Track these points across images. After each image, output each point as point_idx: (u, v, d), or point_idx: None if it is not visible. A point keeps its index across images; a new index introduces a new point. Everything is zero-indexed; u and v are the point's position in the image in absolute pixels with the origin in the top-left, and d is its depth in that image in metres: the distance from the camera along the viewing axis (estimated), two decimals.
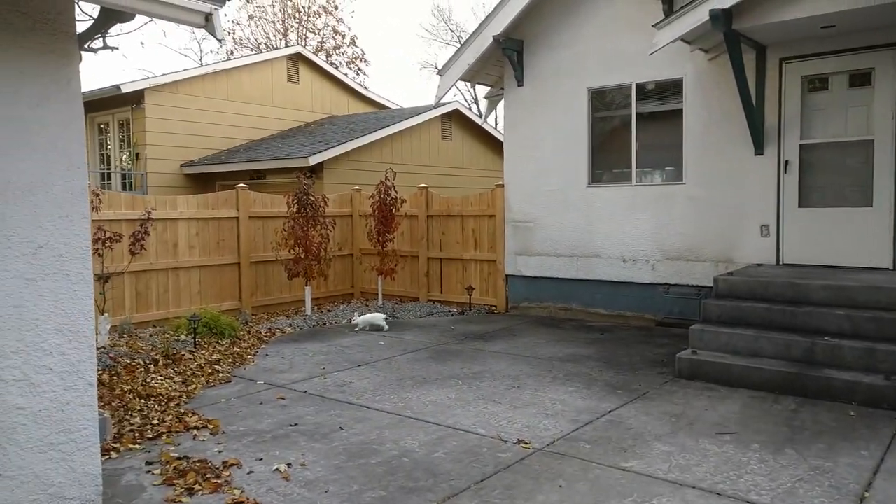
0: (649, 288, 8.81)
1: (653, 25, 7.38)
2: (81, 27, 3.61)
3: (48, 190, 3.19)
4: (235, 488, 3.88)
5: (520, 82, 9.75)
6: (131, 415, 5.16)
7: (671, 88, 8.60)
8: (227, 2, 3.62)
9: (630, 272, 8.93)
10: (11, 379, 3.10)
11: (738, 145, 8.04)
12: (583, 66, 9.22)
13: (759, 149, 7.84)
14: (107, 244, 7.22)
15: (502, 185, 10.01)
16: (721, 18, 6.60)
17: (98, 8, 3.63)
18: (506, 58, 9.65)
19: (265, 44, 30.36)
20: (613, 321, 9.05)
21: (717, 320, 6.58)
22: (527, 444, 4.52)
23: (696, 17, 6.80)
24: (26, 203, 3.13)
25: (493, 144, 17.06)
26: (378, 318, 8.31)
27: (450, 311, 10.11)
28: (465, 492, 3.80)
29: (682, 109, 8.48)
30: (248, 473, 4.10)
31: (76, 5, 3.41)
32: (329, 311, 10.20)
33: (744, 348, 6.09)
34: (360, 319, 8.19)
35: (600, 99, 9.25)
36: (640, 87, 8.83)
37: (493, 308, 10.13)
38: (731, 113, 7.97)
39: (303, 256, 9.42)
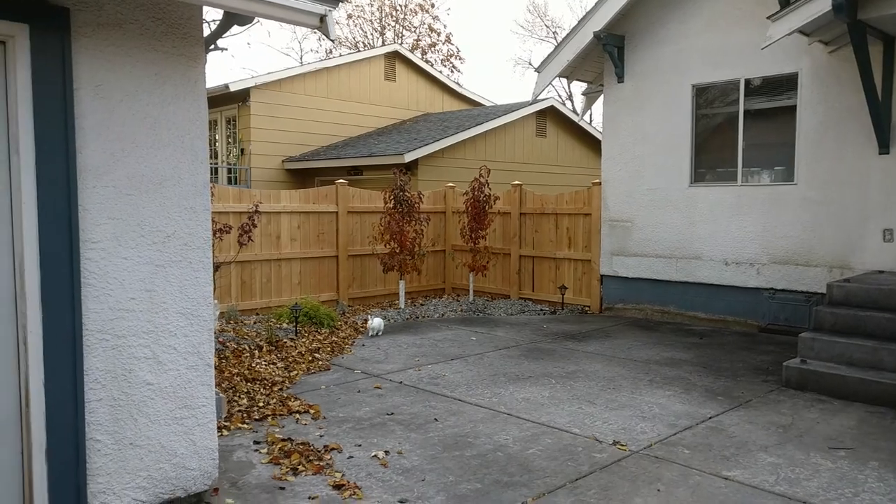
0: (753, 292, 8.44)
1: (767, 17, 7.04)
2: (205, 31, 3.85)
3: (176, 183, 3.43)
4: (336, 471, 4.04)
5: (620, 79, 9.56)
6: (239, 396, 5.46)
7: (784, 83, 8.19)
8: (340, 4, 3.76)
9: (732, 275, 8.59)
10: (142, 356, 3.36)
11: (859, 144, 7.56)
12: (687, 62, 8.93)
13: (883, 147, 7.34)
14: (217, 235, 7.64)
15: (599, 183, 9.85)
16: (845, 8, 6.21)
17: (221, 12, 3.85)
18: (606, 54, 9.48)
19: (363, 42, 31.14)
20: (713, 325, 8.74)
21: (830, 329, 6.22)
22: (623, 445, 4.46)
23: (817, 8, 6.43)
24: (157, 195, 3.37)
25: (589, 142, 16.80)
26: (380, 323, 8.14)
27: (541, 310, 10.06)
28: (561, 489, 3.80)
29: (795, 106, 8.06)
30: (348, 458, 4.25)
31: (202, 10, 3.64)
32: (421, 304, 10.37)
33: (861, 360, 5.73)
34: (375, 323, 8.09)
35: (705, 95, 8.94)
36: (749, 83, 8.46)
37: (587, 308, 9.99)
38: (853, 109, 7.51)
39: (398, 251, 9.63)
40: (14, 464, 3.01)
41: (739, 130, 8.53)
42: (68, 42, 3.00)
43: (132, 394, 3.33)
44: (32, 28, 2.90)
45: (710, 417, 5.05)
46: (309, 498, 3.67)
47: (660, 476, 3.98)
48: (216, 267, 7.81)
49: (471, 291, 10.73)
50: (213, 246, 7.67)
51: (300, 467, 4.10)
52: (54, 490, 3.03)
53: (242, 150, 15.16)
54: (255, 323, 8.30)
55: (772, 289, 8.28)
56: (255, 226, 7.95)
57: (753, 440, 4.57)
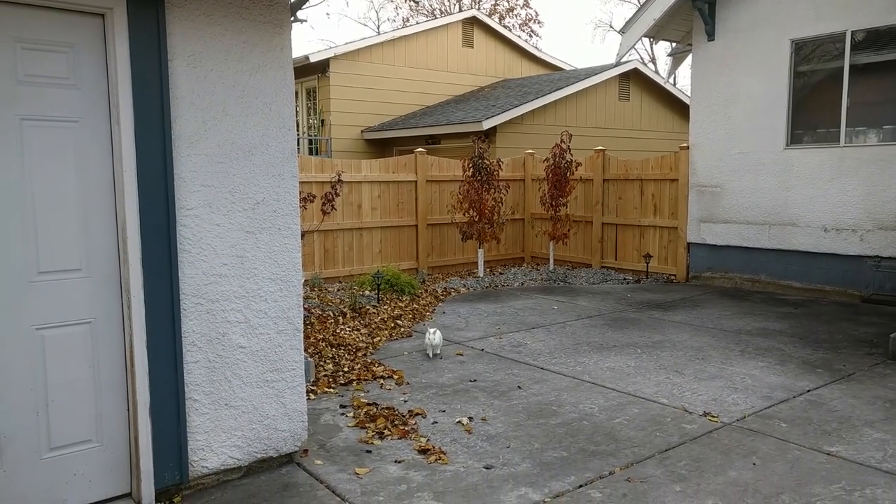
0: (855, 260, 7.93)
1: None
2: None
3: (265, 150, 3.49)
4: (421, 436, 4.08)
5: (710, 36, 9.06)
6: (325, 361, 5.60)
7: (895, 35, 7.54)
8: None
9: (832, 242, 8.09)
10: (235, 321, 3.47)
11: None
12: (786, 14, 8.36)
13: None
14: (302, 204, 7.80)
15: (687, 148, 9.44)
16: None
17: None
18: (695, 10, 9.00)
19: (440, 9, 30.86)
20: (809, 295, 8.29)
21: None
22: (714, 417, 4.30)
23: None
24: (246, 163, 3.44)
25: (674, 105, 16.13)
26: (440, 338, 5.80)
27: (624, 279, 9.82)
28: (650, 459, 3.70)
29: None
30: (433, 424, 4.29)
31: None
32: (500, 273, 10.32)
33: None
34: (436, 339, 5.73)
35: (804, 51, 8.35)
36: (856, 35, 7.84)
37: (672, 277, 9.68)
38: None
39: (476, 220, 9.58)
40: (121, 419, 3.19)
41: (844, 87, 7.95)
42: (163, 13, 3.07)
43: (226, 356, 3.45)
44: (129, 0, 2.99)
45: (808, 390, 4.80)
46: (395, 461, 3.73)
47: (755, 449, 3.82)
48: (301, 235, 8.01)
49: (551, 260, 10.58)
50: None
51: (385, 431, 4.17)
52: (158, 445, 3.20)
53: (323, 121, 15.40)
54: (338, 290, 8.49)
55: (877, 257, 7.75)
56: (337, 195, 8.07)
57: (857, 415, 4.31)
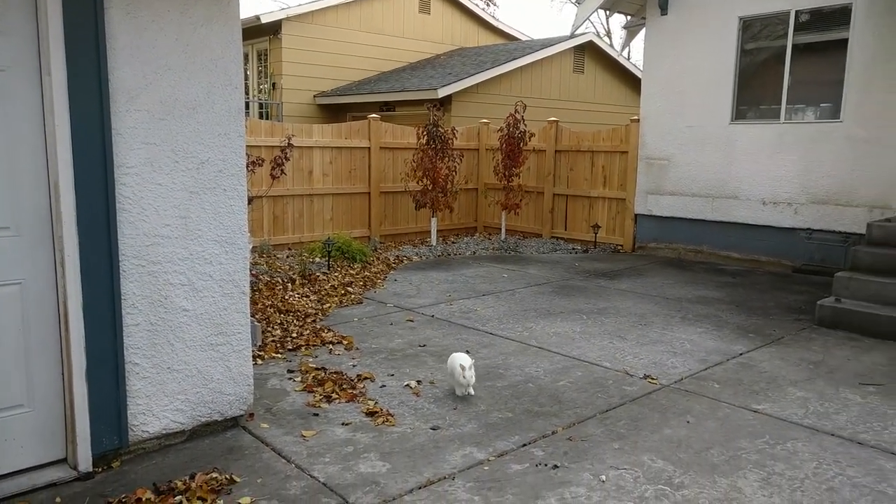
0: (789, 233, 8.25)
1: None
2: None
3: (210, 108, 3.41)
4: (370, 399, 4.12)
5: (664, 10, 9.16)
6: (273, 327, 5.57)
7: (836, 16, 7.77)
8: None
9: (769, 215, 8.38)
10: (178, 283, 3.41)
11: None
12: None
13: None
14: (250, 168, 7.65)
15: (637, 120, 9.59)
16: None
17: None
18: None
19: None
20: (746, 265, 8.59)
21: (867, 269, 6.06)
22: (654, 379, 4.46)
23: None
24: (190, 120, 3.36)
25: (627, 79, 16.29)
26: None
27: (573, 249, 9.99)
28: (591, 419, 3.83)
29: (846, 40, 7.67)
30: (381, 387, 4.33)
31: None
32: (453, 242, 10.37)
33: None
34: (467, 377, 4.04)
35: (751, 29, 8.53)
36: (801, 15, 8.04)
37: (619, 247, 9.89)
38: None
39: (430, 188, 9.58)
40: (56, 384, 3.11)
41: (786, 65, 8.17)
42: None
43: (169, 319, 3.40)
44: None
45: (741, 354, 5.01)
46: (342, 424, 3.76)
47: (690, 409, 3.98)
48: (249, 200, 7.86)
49: (503, 230, 10.68)
50: (246, 181, 7.72)
51: (333, 395, 4.19)
52: (95, 410, 3.14)
53: (274, 85, 15.05)
54: (287, 257, 8.41)
55: (809, 229, 8.07)
56: (287, 159, 7.95)
57: (784, 376, 4.53)
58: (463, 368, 4.01)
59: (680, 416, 3.89)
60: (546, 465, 3.28)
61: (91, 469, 3.13)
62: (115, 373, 3.19)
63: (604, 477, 3.16)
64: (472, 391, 4.13)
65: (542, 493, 3.01)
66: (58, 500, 2.92)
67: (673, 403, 4.07)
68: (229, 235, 3.59)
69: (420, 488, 3.06)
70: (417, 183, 9.63)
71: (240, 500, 2.92)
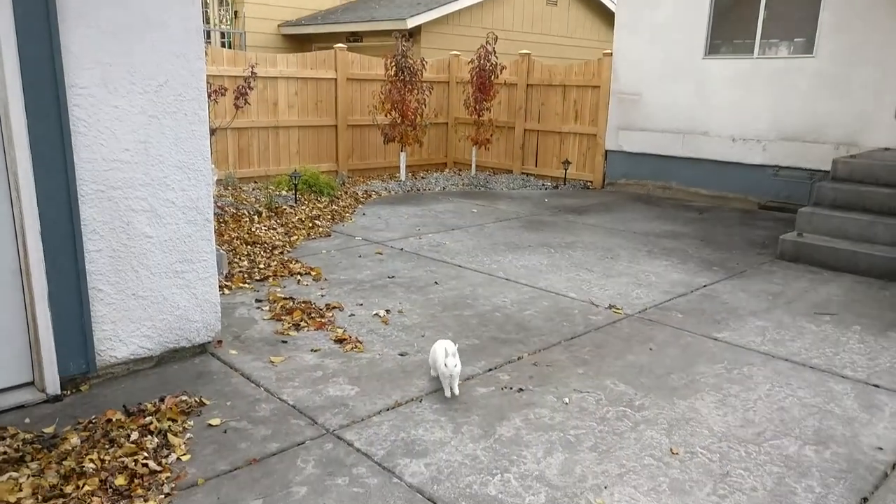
0: (757, 169, 8.34)
1: None
2: None
3: (165, 27, 3.25)
4: (338, 327, 4.14)
5: None
6: (240, 258, 5.51)
7: None
8: None
9: (738, 152, 8.45)
10: (140, 209, 3.34)
11: (885, 17, 7.17)
12: None
13: None
14: (212, 97, 7.43)
15: (610, 54, 9.47)
16: None
17: None
18: None
19: None
20: (714, 202, 8.71)
21: (830, 204, 6.20)
22: (618, 309, 4.55)
23: None
24: (145, 39, 3.21)
25: (602, 13, 16.00)
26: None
27: (544, 185, 9.99)
28: (556, 346, 3.91)
29: None
30: (350, 316, 4.35)
31: None
32: (423, 178, 10.29)
33: (856, 234, 5.75)
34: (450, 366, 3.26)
35: None
36: None
37: (589, 183, 9.92)
38: None
39: (399, 121, 9.41)
40: (18, 309, 3.06)
41: None
42: None
43: (132, 246, 3.34)
44: None
45: (704, 286, 5.13)
46: (311, 350, 3.78)
47: (652, 337, 4.09)
48: (212, 131, 7.67)
49: (473, 166, 10.61)
50: (208, 109, 7.50)
51: (302, 323, 4.19)
52: (60, 335, 3.11)
53: (236, 13, 14.47)
54: (253, 190, 8.27)
55: (776, 166, 8.17)
56: (251, 89, 7.72)
57: (744, 306, 4.66)
58: (447, 354, 3.14)
59: (643, 343, 3.99)
60: (511, 388, 3.36)
61: (59, 392, 3.12)
62: (79, 298, 3.14)
63: (567, 399, 3.25)
64: (456, 389, 3.22)
65: (507, 415, 3.09)
66: (27, 420, 2.91)
67: (636, 332, 4.17)
68: (191, 161, 3.50)
69: (388, 410, 3.11)
70: (386, 116, 9.45)
71: (210, 422, 2.94)
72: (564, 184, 9.97)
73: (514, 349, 3.86)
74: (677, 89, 8.87)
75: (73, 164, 3.05)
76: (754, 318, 4.44)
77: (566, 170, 9.96)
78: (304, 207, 7.50)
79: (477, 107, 9.96)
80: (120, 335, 3.35)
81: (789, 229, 6.28)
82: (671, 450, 2.82)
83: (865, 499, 2.51)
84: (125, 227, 3.30)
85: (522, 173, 10.66)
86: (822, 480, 2.62)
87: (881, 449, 2.85)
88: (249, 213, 6.94)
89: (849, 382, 3.49)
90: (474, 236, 6.62)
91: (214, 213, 6.60)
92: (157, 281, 3.45)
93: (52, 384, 3.10)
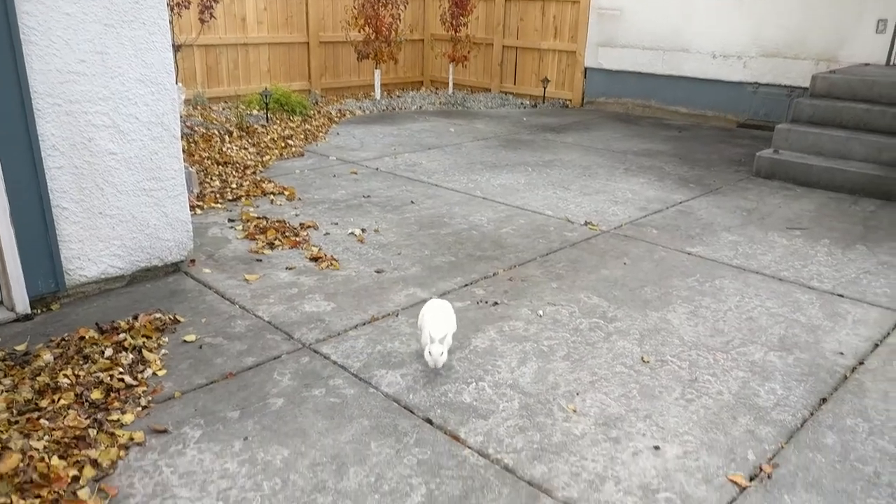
0: (737, 87, 8.25)
1: None
2: None
3: None
4: (313, 246, 4.11)
5: None
6: (211, 178, 5.40)
7: None
8: None
9: (718, 69, 8.33)
10: (101, 124, 3.21)
11: None
12: None
13: None
14: (175, 10, 7.09)
15: None
16: None
17: None
18: None
19: None
20: (693, 120, 8.65)
21: (807, 120, 6.18)
22: (594, 226, 4.57)
23: None
24: None
25: None
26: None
27: (522, 104, 9.83)
28: (531, 262, 3.93)
29: None
30: (325, 235, 4.32)
31: None
32: (398, 96, 10.05)
33: (831, 150, 5.77)
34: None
35: None
36: None
37: (568, 102, 9.78)
38: None
39: (373, 38, 9.09)
40: None
41: None
42: None
43: (95, 163, 3.23)
44: None
45: (680, 202, 5.15)
46: (286, 268, 3.76)
47: (627, 252, 4.12)
48: (177, 48, 7.36)
49: (450, 84, 10.37)
50: (171, 23, 7.16)
51: (276, 242, 4.16)
52: (26, 252, 3.04)
53: None
54: (223, 110, 8.02)
55: (756, 83, 8.09)
56: (216, 1, 7.36)
57: (718, 222, 4.70)
58: (432, 340, 2.64)
59: (617, 258, 4.02)
60: (486, 302, 3.39)
61: (29, 311, 3.08)
62: (42, 216, 3.07)
63: (541, 312, 3.29)
64: (439, 357, 2.66)
65: (483, 327, 3.13)
66: None
67: (611, 247, 4.20)
68: (154, 75, 3.35)
69: (364, 324, 3.13)
70: (359, 31, 9.12)
71: (185, 338, 2.94)
72: (543, 102, 9.82)
73: (490, 265, 3.87)
74: (658, 4, 8.64)
75: (27, 76, 2.91)
76: (727, 233, 4.49)
77: (545, 88, 9.78)
78: (276, 127, 7.32)
79: (454, 22, 9.65)
80: (88, 254, 3.29)
81: (766, 147, 6.28)
82: (642, 358, 2.89)
83: (824, 399, 2.61)
84: (87, 144, 3.18)
85: (501, 92, 10.45)
86: (784, 384, 2.71)
87: (842, 354, 2.95)
88: (220, 133, 6.76)
89: (815, 293, 3.57)
90: (451, 155, 6.53)
91: (184, 134, 6.46)
92: (124, 199, 3.37)
93: (22, 303, 3.06)
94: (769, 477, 2.17)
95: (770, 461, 2.25)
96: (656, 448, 2.31)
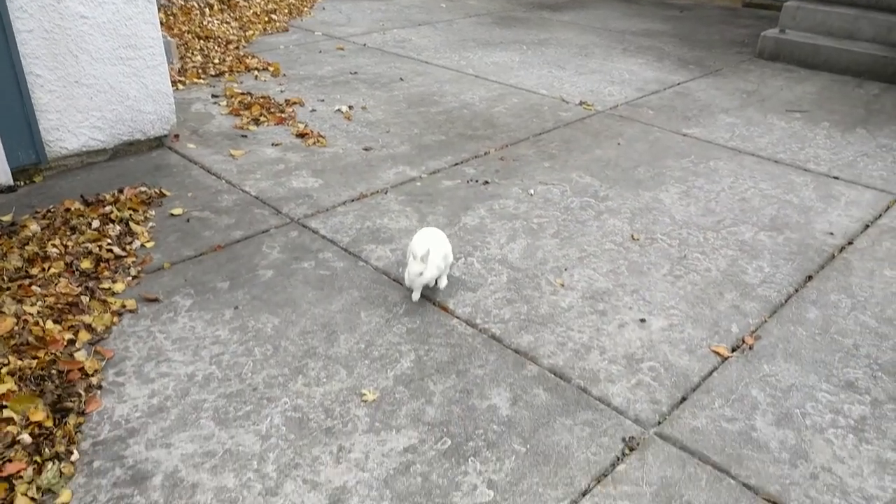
0: None
1: None
2: None
3: None
4: (299, 122, 3.99)
5: None
6: (192, 53, 5.16)
7: None
8: None
9: None
10: None
11: None
12: None
13: None
14: None
15: None
16: None
17: None
18: None
19: None
20: (696, 0, 8.28)
21: None
22: (589, 105, 4.45)
23: None
24: None
25: None
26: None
27: None
28: (524, 142, 3.85)
29: None
30: (311, 111, 4.19)
31: None
32: None
33: (839, 29, 5.56)
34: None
35: None
36: None
37: None
38: None
39: None
40: None
41: None
42: None
43: (67, 27, 3.05)
44: None
45: (678, 83, 5.00)
46: (272, 144, 3.67)
47: (622, 132, 4.04)
48: None
49: None
50: None
51: (261, 118, 4.03)
52: (3, 121, 2.93)
53: None
54: None
55: None
56: None
57: (716, 104, 4.59)
58: (414, 258, 2.27)
59: (611, 139, 3.95)
60: (477, 181, 3.34)
61: (12, 183, 3.02)
62: (16, 83, 2.93)
63: (532, 191, 3.26)
64: (416, 295, 2.40)
65: (472, 206, 3.10)
66: None
67: (606, 128, 4.11)
68: None
69: (353, 201, 3.09)
70: None
71: (172, 212, 2.90)
72: None
73: (482, 144, 3.79)
74: None
75: None
76: (725, 115, 4.39)
77: None
78: (258, 0, 6.94)
79: None
80: (68, 125, 3.18)
81: (772, 27, 6.03)
82: (632, 236, 2.89)
83: (810, 277, 2.64)
84: (55, 6, 2.99)
85: None
86: (772, 262, 2.73)
87: (832, 234, 2.96)
88: (200, 6, 6.41)
89: (810, 175, 3.54)
90: (443, 32, 6.26)
91: (160, 5, 6.12)
92: (100, 68, 3.21)
93: (4, 174, 2.98)
94: (751, 348, 2.23)
95: (753, 334, 2.30)
96: (642, 321, 2.35)
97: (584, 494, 1.67)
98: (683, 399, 2.00)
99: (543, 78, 4.99)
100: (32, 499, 1.57)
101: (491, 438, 1.83)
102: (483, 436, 1.83)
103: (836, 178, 3.52)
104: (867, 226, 3.05)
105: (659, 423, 1.91)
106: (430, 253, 2.25)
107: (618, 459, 1.78)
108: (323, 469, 1.72)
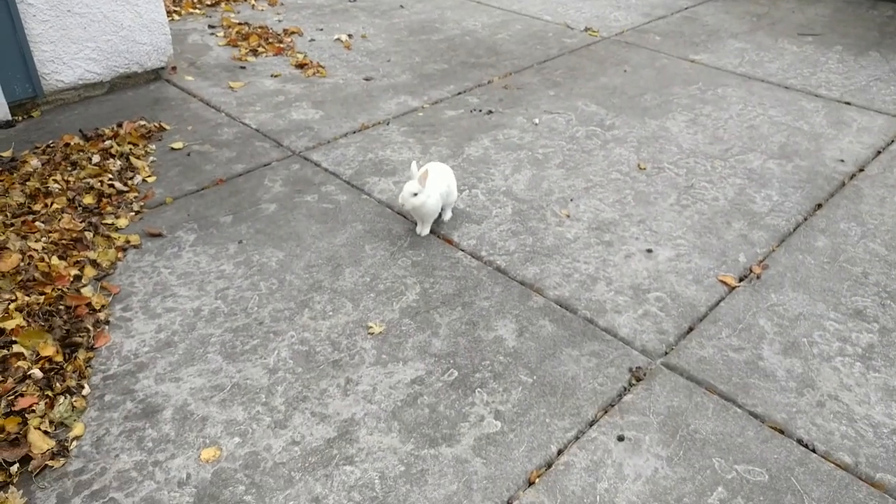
0: None
1: None
2: None
3: None
4: (298, 52, 3.89)
5: None
6: None
7: None
8: None
9: None
10: None
11: None
12: None
13: None
14: None
15: None
16: None
17: None
18: None
19: None
20: None
21: None
22: (594, 31, 4.32)
23: None
24: None
25: None
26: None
27: None
28: (528, 69, 3.75)
29: None
30: (310, 41, 4.07)
31: None
32: None
33: None
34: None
35: None
36: None
37: None
38: None
39: None
40: None
41: None
42: None
43: None
44: None
45: (686, 8, 4.84)
46: (271, 76, 3.59)
47: (628, 59, 3.93)
48: None
49: None
50: None
51: (260, 49, 3.93)
52: None
53: None
54: None
55: None
56: None
57: (725, 28, 4.45)
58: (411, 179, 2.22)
59: (617, 65, 3.84)
60: (480, 110, 3.28)
61: (10, 118, 2.97)
62: (8, 12, 2.84)
63: (537, 120, 3.20)
64: (420, 229, 2.38)
65: (476, 136, 3.05)
66: None
67: (611, 54, 4.00)
68: None
69: (354, 133, 3.04)
70: None
71: (172, 145, 2.86)
72: None
73: (485, 73, 3.70)
74: None
75: None
76: (734, 40, 4.26)
77: None
78: None
79: None
80: (62, 57, 3.10)
81: None
82: (639, 165, 2.85)
83: (819, 205, 2.62)
84: None
85: None
86: (780, 190, 2.70)
87: (842, 161, 2.91)
88: None
89: (821, 101, 3.46)
90: None
91: None
92: None
93: (1, 108, 2.93)
94: (758, 278, 2.22)
95: (760, 263, 2.30)
96: (649, 251, 2.34)
97: (591, 424, 1.70)
98: (690, 329, 2.02)
99: (547, 3, 4.83)
100: (45, 432, 1.60)
101: (497, 370, 1.85)
102: (490, 367, 1.86)
103: (847, 103, 3.44)
104: (879, 152, 2.99)
105: (666, 353, 1.93)
106: (428, 174, 2.19)
107: (625, 390, 1.81)
108: (331, 401, 1.74)
